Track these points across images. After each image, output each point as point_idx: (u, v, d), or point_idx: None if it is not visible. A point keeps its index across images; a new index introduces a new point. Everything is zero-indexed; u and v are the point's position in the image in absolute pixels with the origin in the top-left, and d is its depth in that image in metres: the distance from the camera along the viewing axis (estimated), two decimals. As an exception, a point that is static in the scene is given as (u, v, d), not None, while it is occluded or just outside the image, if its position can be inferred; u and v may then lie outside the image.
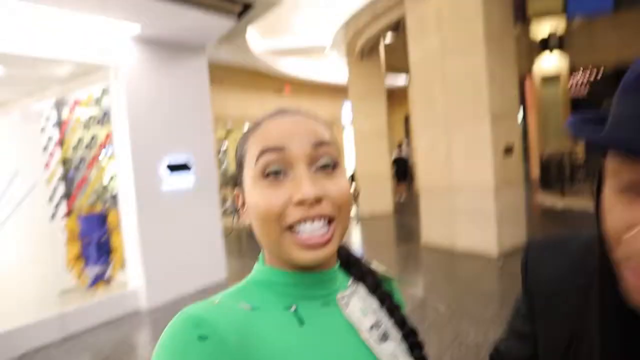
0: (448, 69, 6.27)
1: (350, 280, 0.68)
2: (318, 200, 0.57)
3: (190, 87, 5.62)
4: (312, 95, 16.23)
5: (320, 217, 0.57)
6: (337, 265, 0.65)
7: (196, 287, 5.35)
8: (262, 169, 0.57)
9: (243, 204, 0.63)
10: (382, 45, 10.80)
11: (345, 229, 0.61)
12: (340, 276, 0.66)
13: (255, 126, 0.63)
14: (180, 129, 5.41)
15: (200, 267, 5.27)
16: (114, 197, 5.33)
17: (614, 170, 0.50)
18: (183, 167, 5.41)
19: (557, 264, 0.68)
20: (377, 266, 0.72)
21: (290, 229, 0.57)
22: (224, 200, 7.78)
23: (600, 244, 0.56)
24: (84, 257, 4.85)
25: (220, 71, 11.23)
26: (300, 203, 0.56)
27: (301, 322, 0.58)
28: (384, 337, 0.62)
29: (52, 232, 4.70)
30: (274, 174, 0.57)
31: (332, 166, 0.60)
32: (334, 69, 14.52)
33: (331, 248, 0.58)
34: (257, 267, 0.64)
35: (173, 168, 5.31)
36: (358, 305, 0.64)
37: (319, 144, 0.59)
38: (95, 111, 5.50)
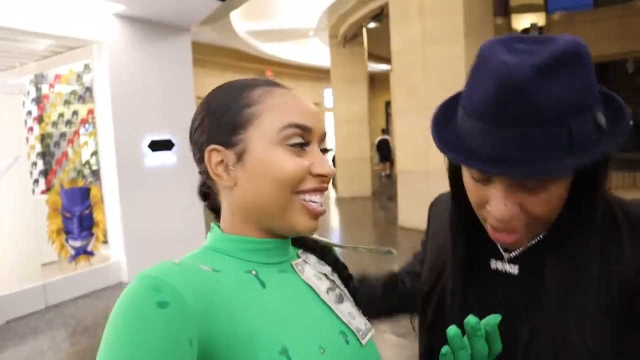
0: (429, 57, 6.43)
1: (300, 251, 0.71)
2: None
3: (174, 67, 5.66)
4: (294, 78, 16.26)
5: (324, 191, 0.64)
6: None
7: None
8: (286, 138, 0.60)
9: (225, 163, 0.62)
10: (364, 32, 10.90)
11: None
12: (290, 247, 0.69)
13: (261, 89, 0.63)
14: (163, 108, 5.46)
15: (182, 242, 5.37)
16: (95, 173, 5.38)
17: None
18: (166, 144, 5.47)
19: (441, 210, 0.87)
20: (318, 238, 0.76)
21: (297, 195, 0.61)
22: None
23: (458, 200, 0.73)
24: (65, 231, 4.91)
25: (203, 52, 11.18)
26: (320, 176, 0.62)
27: (263, 284, 0.59)
28: (340, 298, 0.67)
29: (33, 206, 4.74)
30: (299, 145, 0.61)
31: (327, 150, 0.68)
32: (316, 53, 14.55)
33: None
34: (214, 236, 0.65)
35: (156, 145, 5.37)
36: (312, 272, 0.67)
37: (325, 135, 0.66)
38: (76, 87, 5.51)
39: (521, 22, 13.25)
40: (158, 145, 5.39)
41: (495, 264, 0.73)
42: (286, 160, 0.60)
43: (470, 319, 0.57)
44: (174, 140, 5.55)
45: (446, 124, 0.68)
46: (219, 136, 0.62)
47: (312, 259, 0.71)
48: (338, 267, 0.74)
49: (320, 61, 14.86)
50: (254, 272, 0.60)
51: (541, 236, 0.68)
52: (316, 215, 0.63)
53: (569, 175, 0.61)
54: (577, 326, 0.61)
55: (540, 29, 13.12)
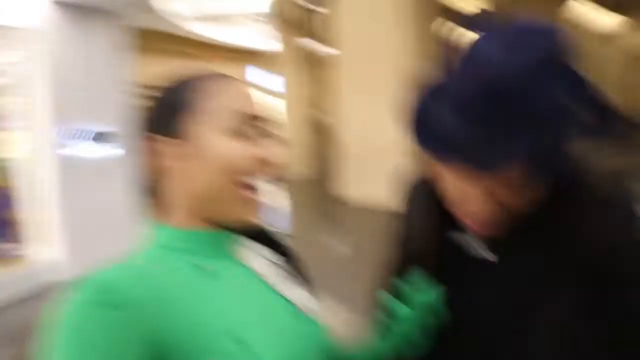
0: (375, 38, 6.52)
1: (246, 239, 0.71)
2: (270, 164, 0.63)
3: (113, 55, 5.38)
4: (239, 62, 15.99)
5: (268, 177, 0.64)
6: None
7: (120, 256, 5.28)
8: (233, 126, 0.60)
9: (169, 152, 0.61)
10: (310, 15, 10.88)
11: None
12: (237, 236, 0.68)
13: (207, 80, 0.63)
14: (104, 97, 5.20)
15: (124, 236, 5.18)
16: (22, 169, 5.06)
17: None
18: (107, 135, 5.24)
19: (414, 193, 0.88)
20: (264, 225, 0.76)
21: (239, 182, 0.61)
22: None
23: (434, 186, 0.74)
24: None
25: (145, 39, 10.77)
26: (263, 163, 0.62)
27: (212, 276, 0.60)
28: (287, 280, 0.68)
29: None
30: (241, 131, 0.61)
31: (271, 135, 0.67)
32: (261, 37, 14.39)
33: (259, 210, 0.65)
34: (159, 231, 0.64)
35: (97, 137, 5.13)
36: (259, 258, 0.68)
37: (267, 120, 0.66)
38: (7, 78, 5.15)
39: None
40: (99, 137, 5.15)
41: (473, 252, 0.74)
42: (227, 146, 0.60)
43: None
44: (116, 131, 5.31)
45: (422, 110, 0.68)
46: (163, 125, 0.62)
47: (258, 246, 0.72)
48: (281, 249, 0.75)
49: (266, 45, 14.69)
50: (201, 265, 0.60)
51: (517, 225, 0.69)
52: (254, 203, 0.63)
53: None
54: (550, 318, 0.64)
55: (486, 11, 13.48)
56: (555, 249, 0.65)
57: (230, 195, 0.61)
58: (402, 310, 0.68)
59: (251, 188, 0.62)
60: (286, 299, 0.65)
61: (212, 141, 0.60)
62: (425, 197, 0.79)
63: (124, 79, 5.53)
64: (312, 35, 11.23)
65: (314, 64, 11.41)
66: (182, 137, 0.61)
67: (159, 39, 12.39)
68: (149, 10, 8.62)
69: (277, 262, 0.71)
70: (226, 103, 0.61)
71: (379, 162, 6.66)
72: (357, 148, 7.15)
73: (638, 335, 0.63)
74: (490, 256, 0.72)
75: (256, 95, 0.66)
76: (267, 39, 13.89)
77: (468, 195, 0.65)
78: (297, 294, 0.67)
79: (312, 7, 10.10)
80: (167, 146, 0.61)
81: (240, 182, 0.61)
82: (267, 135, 0.66)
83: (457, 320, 0.70)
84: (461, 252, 0.75)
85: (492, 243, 0.71)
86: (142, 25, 10.93)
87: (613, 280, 0.63)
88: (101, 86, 5.21)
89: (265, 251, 0.72)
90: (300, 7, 9.99)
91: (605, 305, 0.63)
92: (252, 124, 0.63)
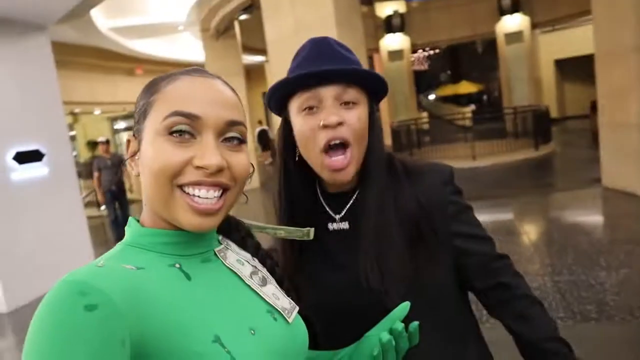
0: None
1: (221, 237, 0.70)
2: (220, 170, 0.58)
3: (34, 69, 5.13)
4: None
5: (217, 186, 0.59)
6: None
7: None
8: (169, 127, 0.57)
9: (135, 153, 0.63)
10: (237, 24, 10.82)
11: (235, 201, 0.64)
12: (212, 234, 0.67)
13: (169, 78, 0.62)
14: (26, 115, 4.94)
15: (66, 261, 4.97)
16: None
17: (297, 100, 0.87)
18: (34, 155, 4.97)
19: None
20: (240, 219, 0.77)
21: (181, 189, 0.58)
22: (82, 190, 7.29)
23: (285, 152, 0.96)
24: None
25: (65, 53, 10.27)
26: (202, 168, 0.57)
27: (188, 277, 0.59)
28: (263, 281, 0.68)
29: None
30: (179, 134, 0.57)
31: (239, 141, 0.62)
32: (188, 48, 14.12)
33: (220, 217, 0.61)
34: (132, 230, 0.63)
35: (22, 157, 4.85)
36: (234, 257, 0.67)
37: (233, 123, 0.61)
38: None
39: (384, 9, 14.16)
40: (25, 157, 4.88)
41: (331, 226, 0.94)
42: (163, 150, 0.57)
43: (398, 325, 0.65)
44: (43, 150, 5.07)
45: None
46: (134, 126, 0.64)
47: (232, 244, 0.72)
48: (260, 252, 0.76)
49: (194, 56, 14.45)
50: (177, 265, 0.60)
51: (356, 195, 0.91)
52: (201, 211, 0.58)
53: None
54: (391, 254, 0.84)
55: (402, 15, 14.13)
56: (383, 208, 0.87)
57: (169, 201, 0.58)
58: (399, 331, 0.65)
59: (193, 195, 0.58)
60: (260, 297, 0.65)
61: (150, 143, 0.59)
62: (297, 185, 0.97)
63: (50, 95, 5.28)
64: (240, 44, 11.22)
65: (244, 74, 11.39)
66: (140, 138, 0.61)
67: (86, 54, 11.89)
68: (80, 24, 8.26)
69: (249, 260, 0.71)
70: (172, 103, 0.58)
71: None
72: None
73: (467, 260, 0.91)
74: (344, 225, 0.92)
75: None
76: (195, 50, 13.66)
77: (330, 116, 0.82)
78: (270, 291, 0.67)
79: (238, 15, 10.08)
80: (134, 146, 0.63)
81: (180, 189, 0.59)
82: (229, 138, 0.61)
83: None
84: (321, 227, 0.92)
85: (343, 216, 0.92)
86: (70, 40, 10.46)
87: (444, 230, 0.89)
88: (25, 104, 4.95)
89: (242, 251, 0.72)
90: (226, 15, 9.93)
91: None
92: (196, 126, 0.58)
